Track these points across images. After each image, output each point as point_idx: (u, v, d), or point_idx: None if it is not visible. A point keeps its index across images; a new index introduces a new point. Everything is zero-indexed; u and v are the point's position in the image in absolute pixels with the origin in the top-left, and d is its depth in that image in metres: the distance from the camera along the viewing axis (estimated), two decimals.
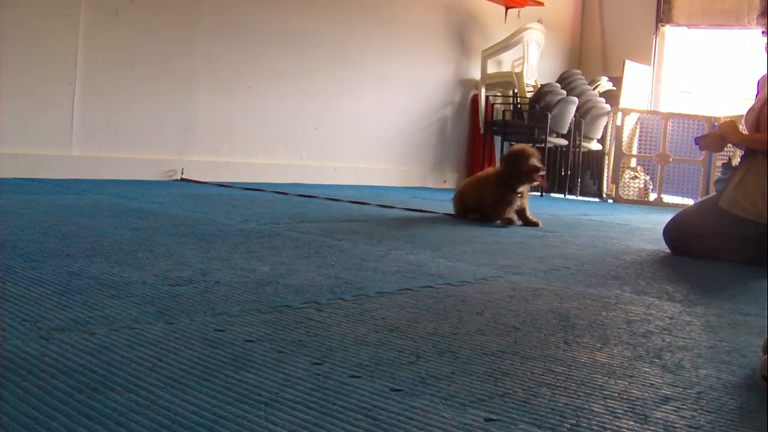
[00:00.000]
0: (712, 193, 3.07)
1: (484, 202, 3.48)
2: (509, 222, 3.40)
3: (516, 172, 3.41)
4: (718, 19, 7.56)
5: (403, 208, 3.88)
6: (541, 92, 6.50)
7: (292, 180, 5.40)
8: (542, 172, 3.45)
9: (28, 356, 1.01)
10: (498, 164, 3.61)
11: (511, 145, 6.93)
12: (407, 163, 6.42)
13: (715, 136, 2.98)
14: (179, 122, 4.80)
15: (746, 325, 1.59)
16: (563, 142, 6.71)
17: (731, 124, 2.91)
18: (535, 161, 3.40)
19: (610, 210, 5.37)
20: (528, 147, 3.46)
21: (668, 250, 2.92)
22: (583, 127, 6.78)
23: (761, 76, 2.85)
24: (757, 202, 2.68)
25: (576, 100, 6.58)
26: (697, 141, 3.06)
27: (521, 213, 3.48)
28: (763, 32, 2.69)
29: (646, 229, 3.84)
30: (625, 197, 6.53)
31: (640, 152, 6.72)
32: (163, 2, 4.64)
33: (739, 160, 2.88)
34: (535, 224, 3.43)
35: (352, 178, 5.90)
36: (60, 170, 4.22)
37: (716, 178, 3.03)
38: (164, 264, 1.77)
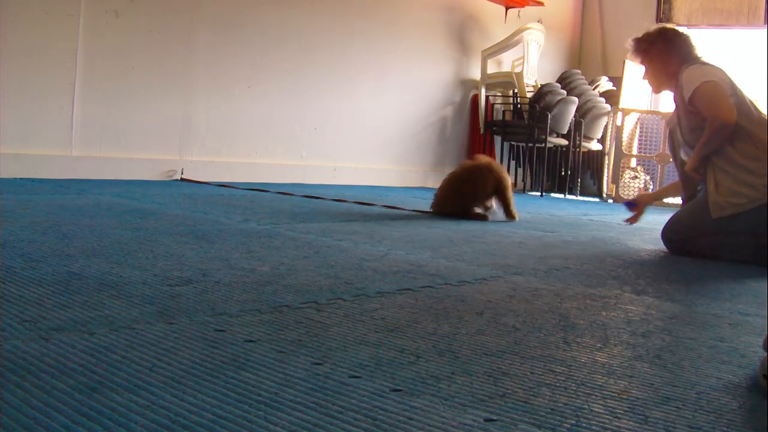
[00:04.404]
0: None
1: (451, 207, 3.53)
2: (480, 218, 3.41)
3: (475, 192, 3.42)
4: (718, 19, 7.56)
5: (403, 208, 3.88)
6: (541, 92, 6.50)
7: (293, 180, 5.40)
8: (492, 208, 3.49)
9: (28, 356, 1.01)
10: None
11: (511, 145, 6.96)
12: (407, 163, 6.41)
13: (642, 203, 3.28)
14: (179, 122, 4.80)
15: (746, 325, 1.59)
16: (563, 142, 6.71)
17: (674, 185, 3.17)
18: (487, 200, 3.42)
19: (610, 210, 5.37)
20: (488, 166, 3.43)
21: (668, 250, 2.92)
22: (583, 127, 6.78)
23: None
24: (743, 191, 2.71)
25: (576, 100, 6.58)
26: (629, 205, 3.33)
27: (505, 207, 3.50)
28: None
29: (646, 229, 3.84)
30: (625, 197, 6.53)
31: (640, 152, 6.72)
32: (163, 2, 4.64)
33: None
34: (512, 217, 3.44)
35: (352, 178, 5.90)
36: (60, 170, 4.22)
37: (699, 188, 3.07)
38: (164, 264, 1.77)
